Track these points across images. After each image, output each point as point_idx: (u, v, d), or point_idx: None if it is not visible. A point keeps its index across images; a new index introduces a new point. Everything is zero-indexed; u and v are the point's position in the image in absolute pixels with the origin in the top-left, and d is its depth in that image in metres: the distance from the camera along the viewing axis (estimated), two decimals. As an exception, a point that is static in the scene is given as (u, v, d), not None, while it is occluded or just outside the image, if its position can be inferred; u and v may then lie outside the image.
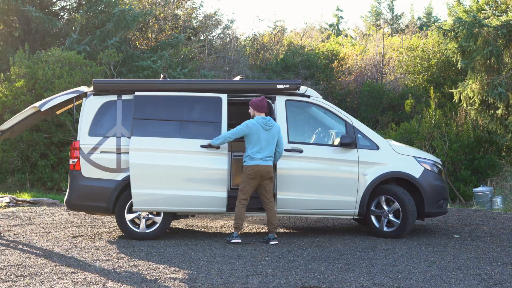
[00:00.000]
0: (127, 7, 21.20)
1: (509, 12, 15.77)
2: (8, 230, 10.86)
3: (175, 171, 9.84)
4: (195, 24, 25.98)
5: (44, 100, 10.31)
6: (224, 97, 10.09)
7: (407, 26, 35.01)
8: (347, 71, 23.70)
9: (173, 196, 9.84)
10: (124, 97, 10.11)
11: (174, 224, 11.77)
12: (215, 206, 9.89)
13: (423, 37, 24.77)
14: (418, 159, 10.43)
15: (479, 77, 15.67)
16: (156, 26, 23.41)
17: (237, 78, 10.97)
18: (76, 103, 10.50)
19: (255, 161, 9.64)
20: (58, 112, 11.55)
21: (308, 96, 10.45)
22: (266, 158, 9.66)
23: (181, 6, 25.98)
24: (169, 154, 9.87)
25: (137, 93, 10.04)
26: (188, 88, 10.25)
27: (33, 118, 10.96)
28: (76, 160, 9.88)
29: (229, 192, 10.08)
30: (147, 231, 10.02)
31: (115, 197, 9.90)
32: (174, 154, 9.87)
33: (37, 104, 10.15)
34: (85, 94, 10.32)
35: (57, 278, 7.44)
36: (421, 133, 16.74)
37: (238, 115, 12.29)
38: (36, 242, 9.79)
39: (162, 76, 10.64)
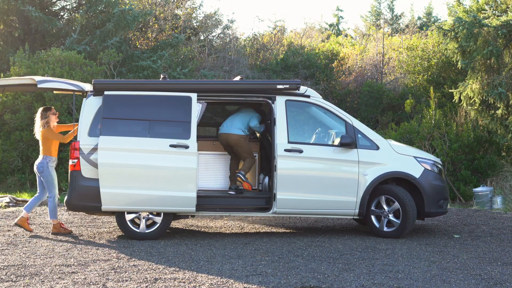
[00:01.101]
0: (127, 7, 21.19)
1: (509, 12, 15.77)
2: (8, 230, 10.86)
3: (144, 171, 9.84)
4: (195, 24, 25.97)
5: (45, 78, 10.33)
6: (194, 96, 10.09)
7: (407, 26, 34.98)
8: (347, 71, 23.68)
9: (142, 196, 9.84)
10: None
11: (174, 224, 11.77)
12: (184, 206, 9.90)
13: (423, 37, 24.75)
14: (418, 159, 10.44)
15: (479, 77, 15.67)
16: (156, 26, 23.41)
17: (237, 78, 10.97)
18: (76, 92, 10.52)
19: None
20: (54, 92, 11.64)
21: (308, 96, 10.45)
22: (224, 127, 10.89)
23: (181, 6, 25.98)
24: (138, 153, 9.87)
25: (106, 93, 10.04)
26: (188, 88, 10.23)
27: (27, 87, 11.16)
28: (76, 160, 9.88)
29: (198, 191, 10.11)
30: (147, 231, 10.03)
31: (115, 197, 9.90)
32: (143, 153, 9.87)
33: (37, 78, 10.14)
34: (85, 94, 10.32)
35: (57, 278, 7.44)
36: (421, 133, 16.73)
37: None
38: (36, 242, 9.80)
39: (162, 76, 10.64)
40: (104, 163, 9.77)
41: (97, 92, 10.10)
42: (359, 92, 21.79)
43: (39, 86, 10.04)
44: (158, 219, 10.03)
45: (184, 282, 7.27)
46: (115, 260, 8.43)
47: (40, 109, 10.58)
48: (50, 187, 10.39)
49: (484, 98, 15.56)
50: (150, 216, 10.04)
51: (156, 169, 9.85)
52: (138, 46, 22.56)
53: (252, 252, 9.04)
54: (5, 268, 7.94)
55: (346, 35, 38.21)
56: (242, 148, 10.89)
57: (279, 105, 10.25)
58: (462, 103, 16.32)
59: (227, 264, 8.19)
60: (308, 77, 22.68)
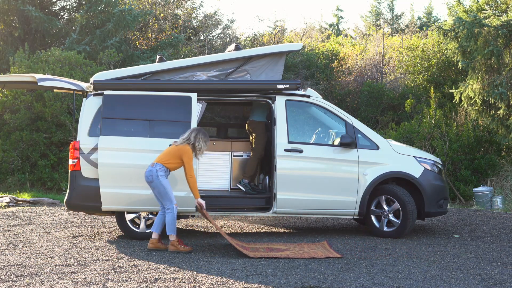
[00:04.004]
0: (127, 7, 21.19)
1: (509, 12, 15.77)
2: (8, 230, 10.86)
3: (144, 171, 9.82)
4: (195, 24, 25.98)
5: (45, 76, 10.31)
6: (194, 96, 10.08)
7: (407, 26, 34.98)
8: (347, 71, 23.67)
9: (142, 196, 9.82)
10: None
11: (174, 224, 11.75)
12: (184, 206, 9.86)
13: (423, 37, 24.75)
14: (418, 159, 10.44)
15: (479, 77, 15.66)
16: (156, 26, 23.41)
17: (232, 46, 10.84)
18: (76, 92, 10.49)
19: None
20: (55, 90, 11.64)
21: (308, 96, 10.45)
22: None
23: (181, 6, 25.99)
24: (138, 153, 9.86)
25: (106, 93, 10.03)
26: (188, 88, 10.21)
27: (28, 85, 11.15)
28: (76, 160, 9.87)
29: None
30: (147, 231, 10.02)
31: (115, 197, 9.89)
32: (143, 153, 9.86)
33: (37, 76, 10.12)
34: (85, 94, 10.31)
35: (57, 278, 7.44)
36: (421, 133, 16.73)
37: (238, 114, 12.30)
38: (36, 242, 9.79)
39: (158, 56, 10.58)
40: (104, 163, 9.76)
41: (97, 92, 10.10)
42: (359, 92, 21.78)
43: (39, 84, 10.02)
44: (158, 219, 10.01)
45: (184, 282, 7.26)
46: (115, 260, 8.43)
47: None
48: None
49: (485, 98, 15.56)
50: (150, 216, 10.03)
51: None
52: (138, 46, 22.57)
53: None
54: (5, 268, 7.94)
55: (346, 35, 38.21)
56: (257, 132, 11.00)
57: (279, 105, 10.24)
58: (462, 103, 16.31)
59: (227, 264, 8.19)
60: (308, 77, 22.68)
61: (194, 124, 9.96)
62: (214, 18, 26.23)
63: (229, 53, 10.53)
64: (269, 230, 11.14)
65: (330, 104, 10.52)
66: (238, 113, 12.26)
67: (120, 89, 10.11)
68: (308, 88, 10.74)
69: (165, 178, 9.10)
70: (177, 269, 7.92)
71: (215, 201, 10.35)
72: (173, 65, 10.45)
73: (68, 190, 10.05)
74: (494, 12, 16.68)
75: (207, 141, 9.27)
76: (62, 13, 22.96)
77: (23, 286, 7.09)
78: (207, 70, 10.37)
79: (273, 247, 9.24)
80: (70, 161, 9.96)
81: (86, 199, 9.89)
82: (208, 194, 10.60)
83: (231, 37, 26.15)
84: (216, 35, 26.76)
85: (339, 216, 10.37)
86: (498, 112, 15.33)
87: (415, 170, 10.31)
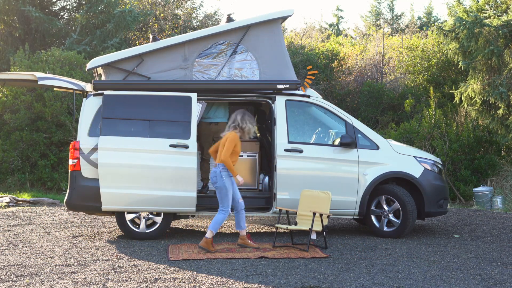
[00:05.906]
0: (127, 7, 21.19)
1: (509, 12, 15.76)
2: (8, 230, 10.86)
3: (144, 171, 9.84)
4: (195, 24, 25.97)
5: (46, 75, 10.31)
6: (194, 96, 10.08)
7: (407, 26, 34.97)
8: (347, 71, 23.65)
9: (142, 196, 9.84)
10: None
11: (174, 224, 11.77)
12: (184, 206, 9.89)
13: (423, 37, 24.75)
14: (418, 159, 10.44)
15: (480, 77, 15.66)
16: (156, 26, 23.41)
17: (224, 19, 10.76)
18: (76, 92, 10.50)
19: None
20: (55, 89, 11.62)
21: (308, 96, 10.45)
22: None
23: (181, 6, 25.99)
24: (138, 153, 9.86)
25: (106, 93, 10.03)
26: (188, 88, 10.21)
27: (28, 83, 11.18)
28: (76, 160, 9.88)
29: (198, 191, 10.11)
30: (147, 231, 10.03)
31: (115, 197, 9.89)
32: (143, 153, 9.86)
33: (38, 75, 10.12)
34: (85, 94, 10.32)
35: (57, 278, 7.45)
36: (421, 133, 16.73)
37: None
38: (36, 242, 9.80)
39: (151, 36, 10.50)
40: (104, 163, 9.77)
41: (97, 92, 10.10)
42: (359, 92, 21.77)
43: (39, 82, 10.02)
44: (158, 219, 10.03)
45: (184, 282, 7.27)
46: (115, 260, 8.43)
47: None
48: None
49: (485, 98, 15.55)
50: (150, 216, 10.04)
51: (156, 169, 9.85)
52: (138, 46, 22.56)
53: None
54: (5, 268, 7.94)
55: (346, 35, 38.19)
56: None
57: (279, 105, 10.25)
58: (463, 103, 16.31)
59: (227, 264, 8.19)
60: (308, 77, 22.63)
61: (194, 124, 9.96)
62: (214, 18, 26.22)
63: (224, 24, 10.44)
64: (269, 230, 11.14)
65: (330, 104, 10.53)
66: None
67: (120, 89, 10.12)
68: (308, 87, 10.74)
69: (229, 178, 9.08)
70: (177, 269, 7.93)
71: (215, 201, 10.33)
72: (166, 43, 10.32)
73: (68, 190, 10.06)
74: (494, 12, 16.68)
75: (253, 122, 9.28)
76: (62, 13, 22.96)
77: (23, 286, 7.09)
78: (203, 47, 10.27)
79: (260, 247, 9.25)
80: (70, 161, 9.97)
81: (86, 199, 9.90)
82: (208, 194, 10.61)
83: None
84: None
85: (339, 216, 10.38)
86: (497, 112, 15.33)
87: (415, 170, 10.31)
